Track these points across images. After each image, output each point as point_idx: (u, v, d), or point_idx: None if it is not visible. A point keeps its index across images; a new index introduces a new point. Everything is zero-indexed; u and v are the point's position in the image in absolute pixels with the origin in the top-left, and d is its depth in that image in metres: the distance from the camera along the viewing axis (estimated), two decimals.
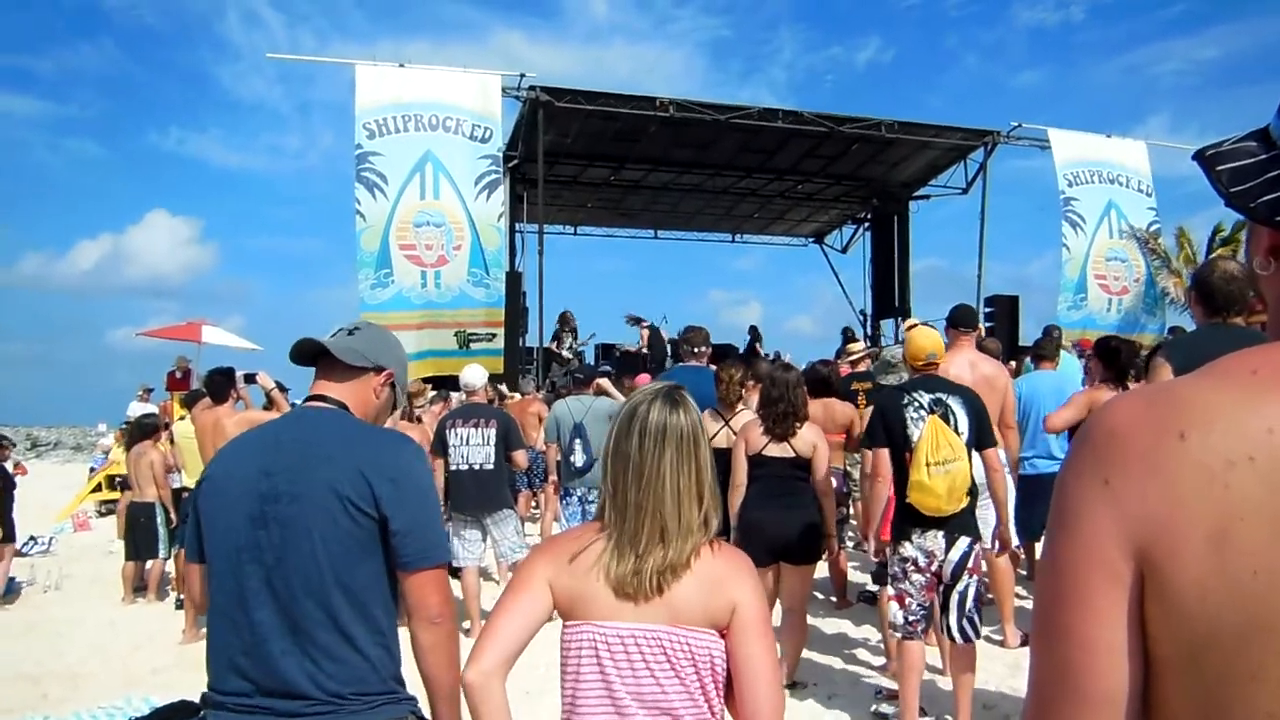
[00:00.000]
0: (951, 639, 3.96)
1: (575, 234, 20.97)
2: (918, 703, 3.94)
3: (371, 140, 11.47)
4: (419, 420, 7.74)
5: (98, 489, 13.99)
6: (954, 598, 3.88)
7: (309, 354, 2.09)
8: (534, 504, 9.90)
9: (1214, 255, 13.70)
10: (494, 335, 11.89)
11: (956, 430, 3.84)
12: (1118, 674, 0.72)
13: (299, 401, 2.21)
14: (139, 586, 7.67)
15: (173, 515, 7.46)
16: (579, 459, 6.18)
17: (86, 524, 12.60)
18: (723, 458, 4.16)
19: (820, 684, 4.83)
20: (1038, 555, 6.09)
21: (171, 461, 7.74)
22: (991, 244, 15.54)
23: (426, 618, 1.87)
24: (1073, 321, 13.56)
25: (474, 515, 5.99)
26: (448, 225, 11.66)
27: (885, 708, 4.36)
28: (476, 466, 5.93)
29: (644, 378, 8.20)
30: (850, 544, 6.77)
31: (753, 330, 16.12)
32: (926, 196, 18.18)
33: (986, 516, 4.42)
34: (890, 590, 4.06)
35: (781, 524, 4.49)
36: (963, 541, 3.87)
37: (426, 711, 1.93)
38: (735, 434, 4.89)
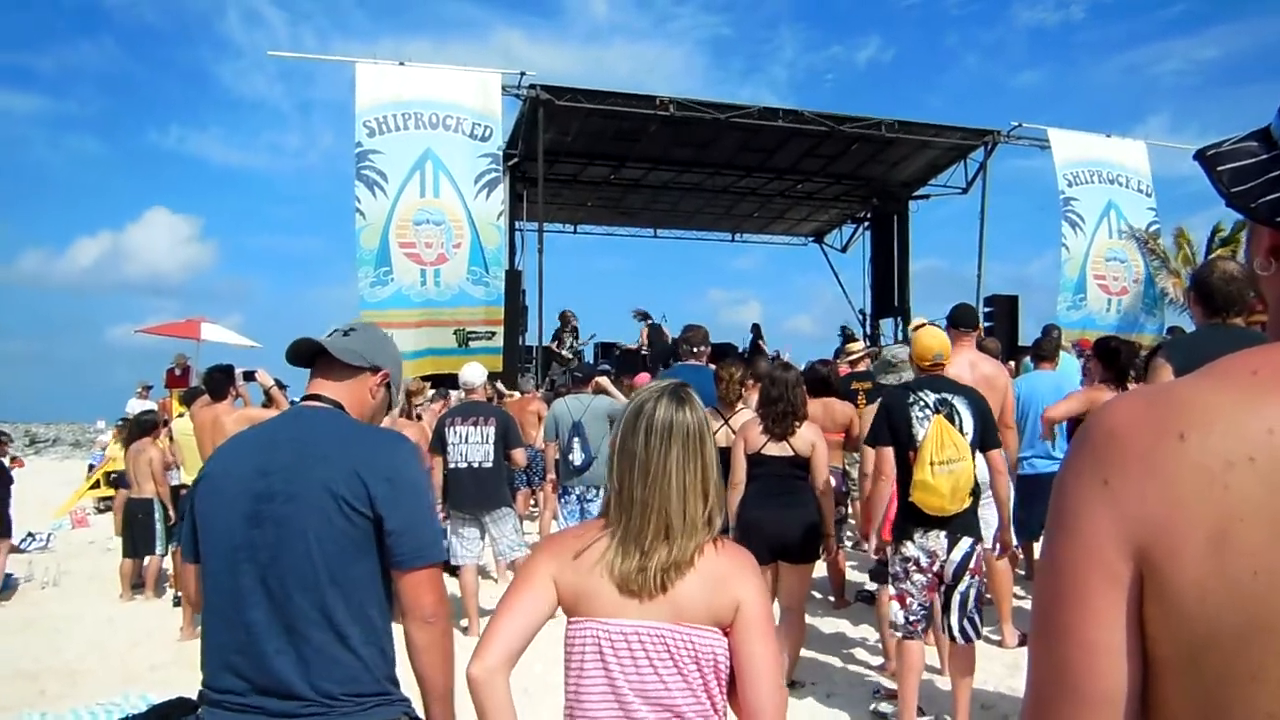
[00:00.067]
0: (952, 639, 3.96)
1: (575, 233, 20.99)
2: (916, 702, 3.94)
3: (372, 138, 11.46)
4: (419, 418, 7.75)
5: (96, 486, 13.99)
6: (955, 598, 3.89)
7: (306, 354, 2.09)
8: (532, 502, 9.90)
9: (1213, 255, 13.71)
10: (493, 334, 11.89)
11: (961, 430, 3.85)
12: (1117, 674, 0.71)
13: (297, 400, 2.21)
14: (137, 583, 7.67)
15: (171, 512, 7.45)
16: (577, 457, 6.18)
17: (85, 520, 12.60)
18: (723, 456, 4.16)
19: (819, 683, 4.83)
20: (1036, 555, 6.09)
21: (170, 458, 7.74)
22: (991, 244, 15.57)
23: (421, 617, 1.87)
24: (1072, 321, 13.56)
25: (472, 513, 5.99)
26: (447, 223, 11.66)
27: (884, 707, 4.36)
28: (475, 465, 5.93)
29: (644, 377, 8.21)
30: (849, 544, 6.77)
31: (755, 328, 16.12)
32: (926, 196, 18.20)
33: (987, 516, 4.42)
34: (891, 590, 4.06)
35: (780, 523, 4.49)
36: (965, 542, 3.88)
37: (420, 712, 1.93)
38: (735, 433, 4.90)
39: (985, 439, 3.96)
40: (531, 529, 8.66)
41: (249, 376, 6.60)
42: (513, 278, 12.75)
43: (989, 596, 5.13)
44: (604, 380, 6.88)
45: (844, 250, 21.39)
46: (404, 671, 1.93)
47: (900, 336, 16.94)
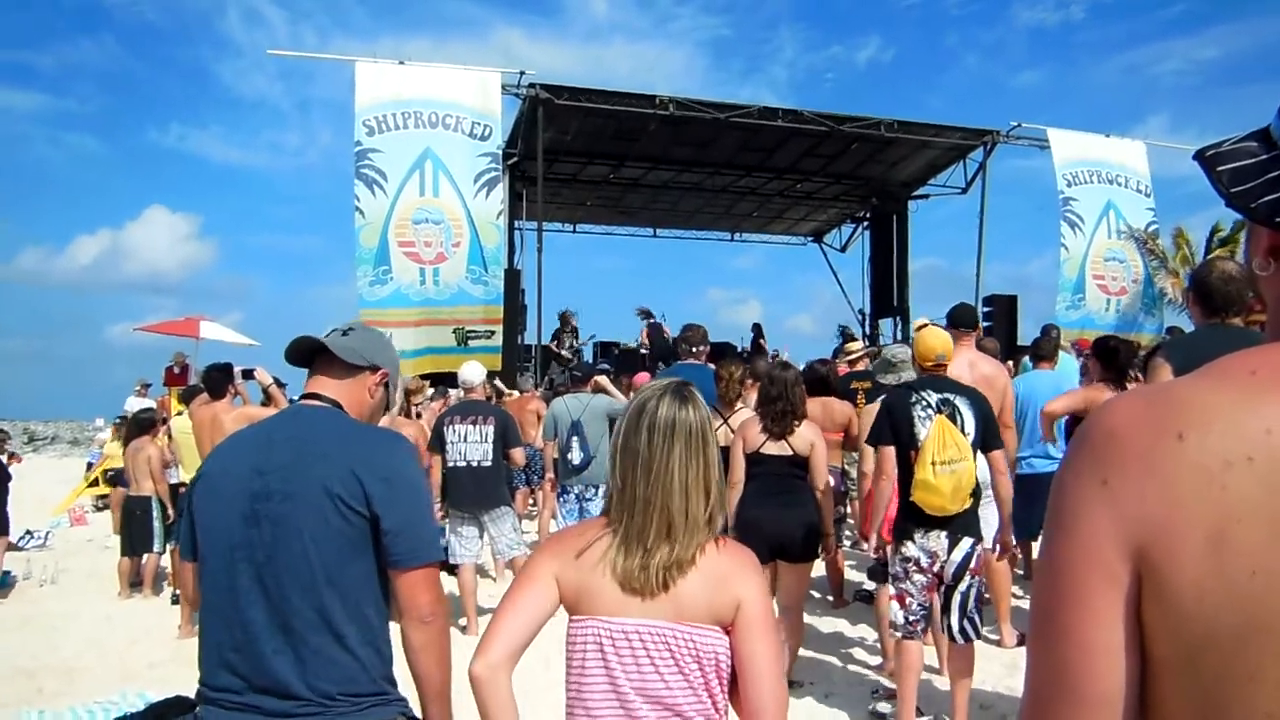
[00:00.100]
0: (952, 639, 3.96)
1: (574, 232, 20.98)
2: (915, 702, 3.94)
3: (371, 137, 11.45)
4: (418, 416, 7.75)
5: (95, 484, 13.98)
6: (956, 598, 3.89)
7: (305, 352, 2.09)
8: (531, 501, 9.90)
9: (1212, 255, 13.71)
10: (492, 333, 11.89)
11: (963, 431, 3.85)
12: (1115, 675, 0.71)
13: (295, 399, 2.21)
14: (135, 581, 7.67)
15: (170, 510, 7.45)
16: (576, 457, 6.18)
17: (83, 518, 12.60)
18: (722, 455, 4.16)
19: (817, 683, 4.83)
20: (1034, 555, 6.09)
21: (168, 457, 7.74)
22: (990, 243, 15.60)
23: (418, 617, 1.86)
24: (1071, 321, 13.56)
25: (471, 512, 5.99)
26: (447, 222, 11.65)
27: (882, 706, 4.37)
28: (474, 464, 5.93)
29: (643, 376, 8.20)
30: (848, 543, 6.77)
31: (756, 328, 16.13)
32: (925, 196, 18.19)
33: (987, 516, 4.42)
34: (891, 590, 4.06)
35: (779, 522, 4.49)
36: (965, 542, 3.88)
37: (417, 711, 1.93)
38: (734, 432, 4.90)
39: (987, 440, 3.96)
40: (530, 528, 8.66)
41: (248, 375, 6.59)
42: (512, 277, 12.75)
43: (988, 596, 5.14)
44: (603, 379, 6.87)
45: (843, 250, 21.40)
46: (402, 671, 1.93)
47: (899, 336, 16.96)
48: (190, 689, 1.97)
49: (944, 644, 4.38)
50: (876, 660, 5.14)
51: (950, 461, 3.76)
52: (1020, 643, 5.15)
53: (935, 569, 3.90)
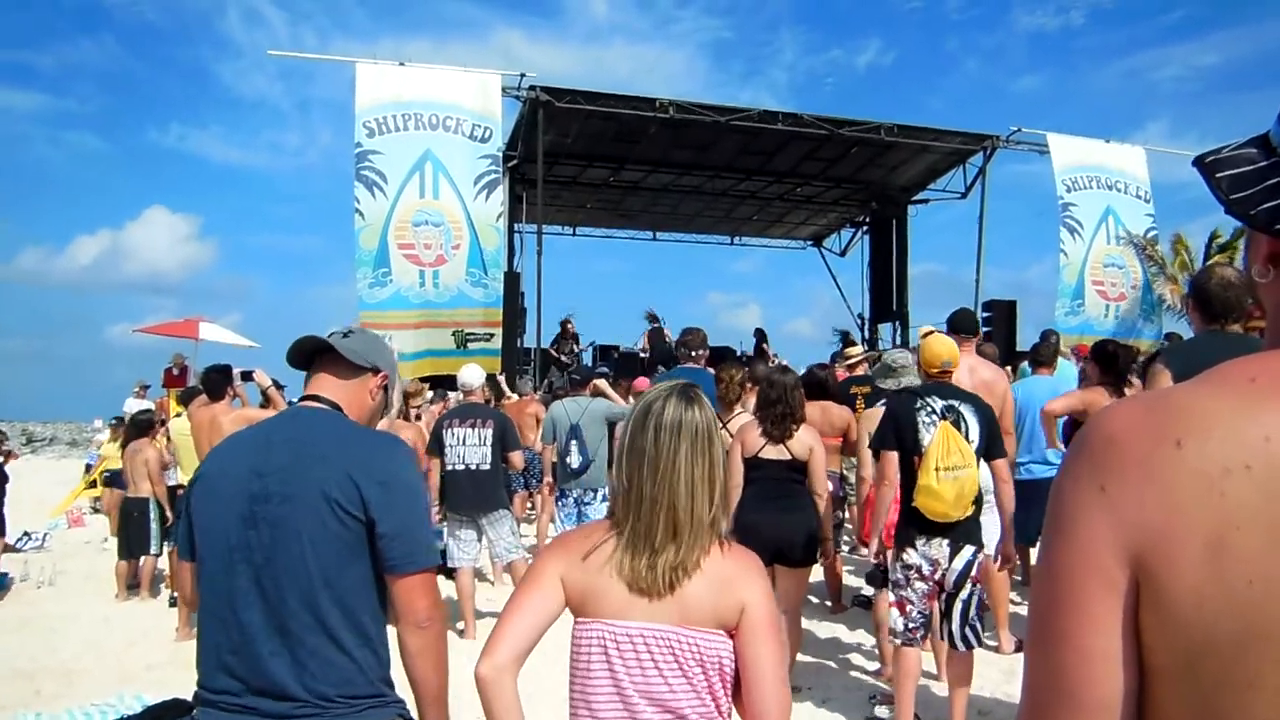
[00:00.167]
0: (953, 646, 3.96)
1: (574, 235, 20.95)
2: (913, 707, 3.94)
3: (371, 139, 11.46)
4: (418, 419, 7.74)
5: (93, 485, 13.96)
6: (957, 606, 3.88)
7: (307, 353, 2.09)
8: (530, 505, 9.89)
9: (1211, 262, 13.72)
10: (492, 335, 11.89)
11: (967, 438, 3.85)
12: (1113, 681, 0.71)
13: (294, 400, 2.20)
14: (132, 583, 7.65)
15: (168, 512, 7.44)
16: (575, 460, 6.17)
17: (81, 520, 12.59)
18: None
19: (815, 688, 4.83)
20: (1033, 560, 6.09)
21: (167, 458, 7.73)
22: (990, 249, 15.56)
23: (414, 622, 1.86)
24: (1070, 327, 13.57)
25: (469, 515, 5.99)
26: (446, 225, 11.66)
27: (880, 711, 4.36)
28: (473, 467, 5.92)
29: (643, 381, 8.20)
30: (846, 548, 6.77)
31: (759, 333, 16.12)
32: (925, 200, 18.18)
33: (988, 523, 4.41)
34: (891, 596, 4.06)
35: (778, 526, 4.48)
36: (967, 550, 3.88)
37: (415, 713, 1.93)
38: (733, 435, 4.89)
39: (991, 448, 3.96)
40: (529, 531, 8.65)
41: (246, 377, 6.59)
42: (511, 280, 12.75)
43: (988, 604, 5.13)
44: (602, 383, 6.87)
45: (843, 254, 21.39)
46: (400, 673, 1.92)
47: (898, 341, 16.96)
48: (188, 691, 1.97)
49: (942, 649, 4.37)
50: (874, 665, 5.14)
51: (954, 468, 3.76)
52: (1018, 648, 5.15)
53: (937, 577, 3.89)
